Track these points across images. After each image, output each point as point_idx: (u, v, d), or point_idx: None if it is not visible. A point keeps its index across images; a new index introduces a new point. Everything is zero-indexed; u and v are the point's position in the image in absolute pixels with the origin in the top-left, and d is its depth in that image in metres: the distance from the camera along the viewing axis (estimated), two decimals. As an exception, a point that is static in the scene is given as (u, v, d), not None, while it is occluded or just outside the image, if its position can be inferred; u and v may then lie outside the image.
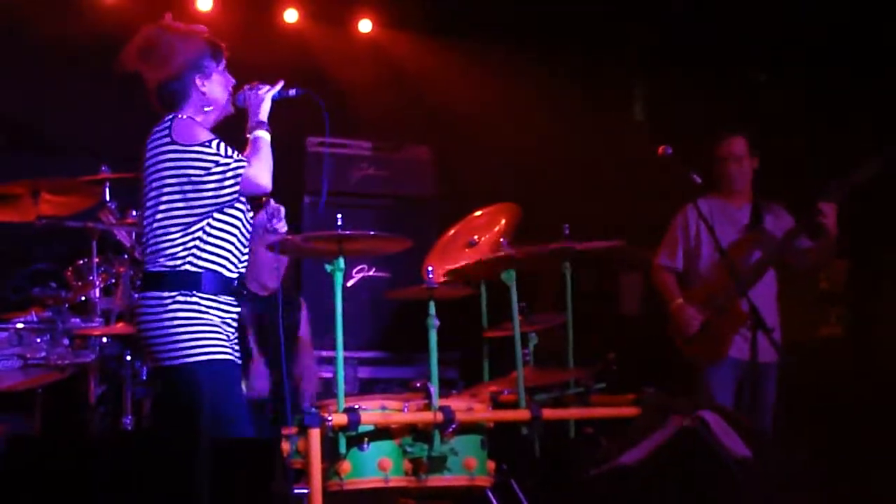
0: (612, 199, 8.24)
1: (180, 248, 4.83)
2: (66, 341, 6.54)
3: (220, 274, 4.89)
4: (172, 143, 4.86)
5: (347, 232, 5.43)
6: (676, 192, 6.66)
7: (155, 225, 4.88)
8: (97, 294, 6.70)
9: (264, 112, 5.01)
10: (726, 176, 7.01)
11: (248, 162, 4.86)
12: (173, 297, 4.82)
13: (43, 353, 6.48)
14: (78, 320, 6.62)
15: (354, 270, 7.97)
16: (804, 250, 6.84)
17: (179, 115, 4.96)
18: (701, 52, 8.38)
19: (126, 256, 6.78)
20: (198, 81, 5.00)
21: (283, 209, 5.24)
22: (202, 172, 4.81)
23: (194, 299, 4.82)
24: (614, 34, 8.65)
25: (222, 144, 4.87)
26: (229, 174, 4.81)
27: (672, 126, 8.04)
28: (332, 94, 8.31)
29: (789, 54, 8.19)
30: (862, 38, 7.81)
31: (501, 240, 6.10)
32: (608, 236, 6.52)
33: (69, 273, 6.86)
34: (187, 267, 4.83)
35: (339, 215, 5.44)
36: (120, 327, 6.56)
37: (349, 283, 7.74)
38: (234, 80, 5.12)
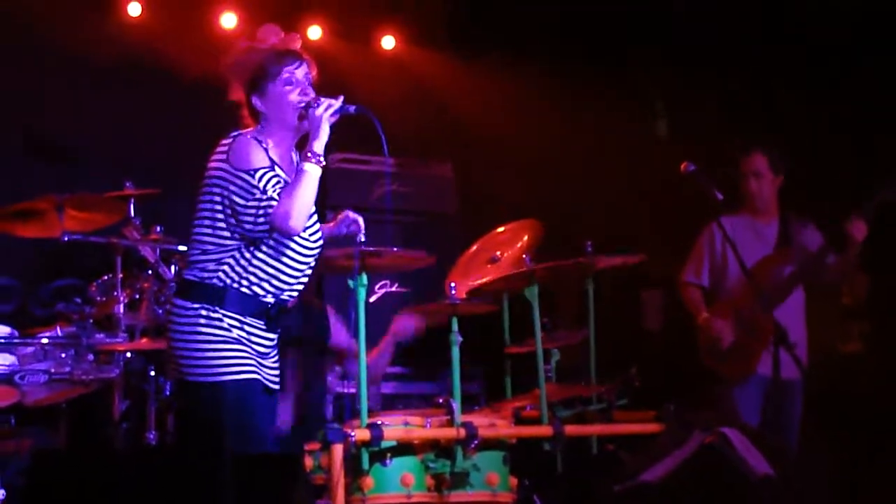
0: (635, 215, 8.23)
1: (214, 262, 4.71)
2: (90, 356, 6.55)
3: (253, 296, 4.74)
4: (226, 161, 4.72)
5: (370, 248, 5.45)
6: (700, 208, 6.65)
7: (197, 234, 4.77)
8: (121, 310, 6.71)
9: (321, 138, 4.72)
10: (748, 192, 7.01)
11: (280, 200, 4.65)
12: (196, 309, 4.69)
13: (68, 369, 6.48)
14: (102, 336, 6.63)
15: (377, 286, 7.97)
16: (829, 265, 6.82)
17: (244, 134, 4.80)
18: (726, 68, 8.37)
19: (150, 272, 6.80)
20: (256, 102, 4.84)
21: (360, 220, 5.08)
22: (242, 201, 4.67)
23: (218, 315, 4.69)
24: (638, 50, 8.65)
25: (266, 176, 4.68)
26: (261, 212, 4.66)
27: (696, 142, 8.02)
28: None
29: (816, 69, 8.17)
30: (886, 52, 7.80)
31: (524, 256, 6.11)
32: (631, 252, 6.52)
33: (94, 289, 6.88)
34: (214, 281, 4.70)
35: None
36: (144, 343, 6.58)
37: (372, 299, 7.72)
38: (306, 90, 4.86)
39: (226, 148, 4.75)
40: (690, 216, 7.11)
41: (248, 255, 4.73)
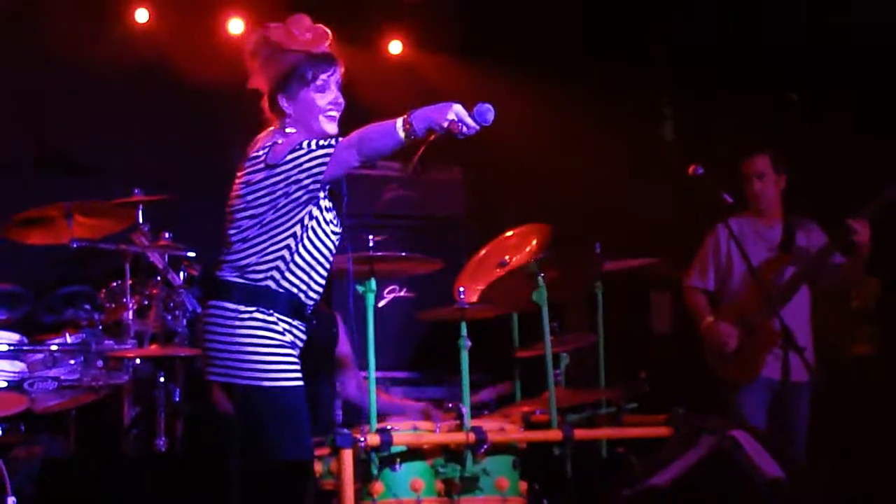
0: (643, 219, 8.22)
1: (264, 263, 4.64)
2: (99, 363, 6.56)
3: (298, 298, 4.70)
4: (266, 167, 4.63)
5: (379, 253, 5.46)
6: (707, 211, 6.65)
7: (238, 239, 4.67)
8: (130, 316, 6.71)
9: (422, 116, 4.53)
10: (751, 194, 7.01)
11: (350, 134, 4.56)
12: (251, 312, 4.62)
13: (77, 375, 6.50)
14: (111, 342, 6.64)
15: (386, 291, 7.97)
16: (836, 266, 6.82)
17: (277, 142, 4.69)
18: (731, 71, 8.37)
19: (159, 279, 6.80)
20: (282, 102, 4.75)
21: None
22: (294, 170, 4.57)
23: (273, 318, 4.63)
24: (645, 54, 8.65)
25: (313, 139, 4.61)
26: (318, 151, 4.55)
27: (703, 146, 8.02)
28: (362, 115, 8.32)
29: (820, 74, 8.17)
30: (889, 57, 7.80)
31: (532, 260, 6.10)
32: (639, 256, 6.52)
33: (103, 295, 6.89)
34: (269, 283, 4.63)
35: (370, 237, 5.46)
36: (153, 349, 6.58)
37: (380, 304, 7.74)
38: (338, 98, 4.80)
39: (262, 156, 4.67)
40: (700, 218, 7.11)
41: (294, 253, 4.66)
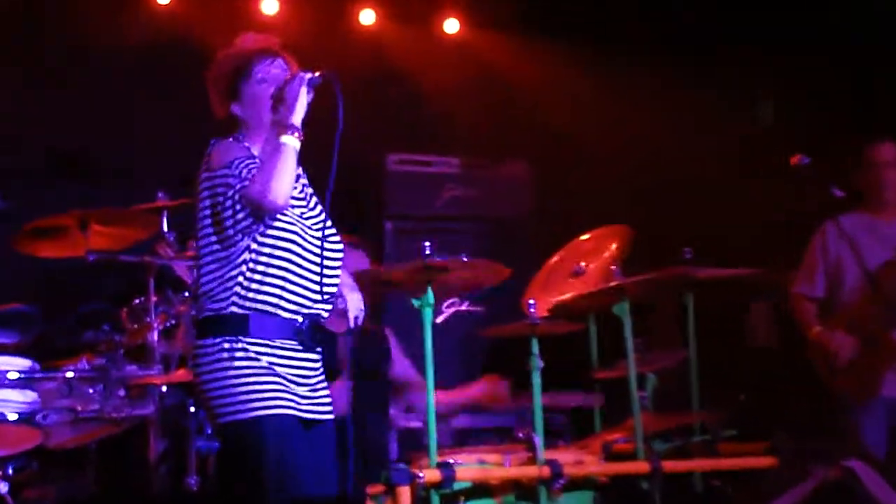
0: (738, 218, 8.16)
1: (221, 289, 4.75)
2: (121, 391, 6.62)
3: (275, 316, 4.75)
4: (207, 169, 4.83)
5: (437, 260, 5.40)
6: (814, 207, 6.56)
7: (200, 265, 4.85)
8: (155, 337, 6.76)
9: (299, 109, 4.81)
10: (875, 185, 6.88)
11: (254, 176, 4.72)
12: (218, 343, 4.72)
13: (96, 406, 6.54)
14: (134, 367, 6.69)
15: (445, 304, 7.93)
16: None
17: (223, 139, 4.90)
18: (836, 48, 8.27)
19: (187, 294, 6.82)
20: (235, 109, 4.95)
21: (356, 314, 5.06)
22: (222, 197, 4.76)
23: (241, 346, 4.71)
24: (735, 32, 8.57)
25: (244, 163, 4.78)
26: (238, 196, 4.73)
27: (805, 133, 7.93)
28: (415, 103, 8.36)
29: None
30: None
31: (612, 267, 6.10)
32: (735, 261, 6.46)
33: (124, 314, 6.91)
34: (233, 309, 4.73)
35: (426, 242, 5.40)
36: (181, 374, 6.60)
37: (439, 319, 7.69)
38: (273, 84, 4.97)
39: (206, 158, 4.84)
40: (803, 217, 7.02)
41: (252, 266, 4.74)
